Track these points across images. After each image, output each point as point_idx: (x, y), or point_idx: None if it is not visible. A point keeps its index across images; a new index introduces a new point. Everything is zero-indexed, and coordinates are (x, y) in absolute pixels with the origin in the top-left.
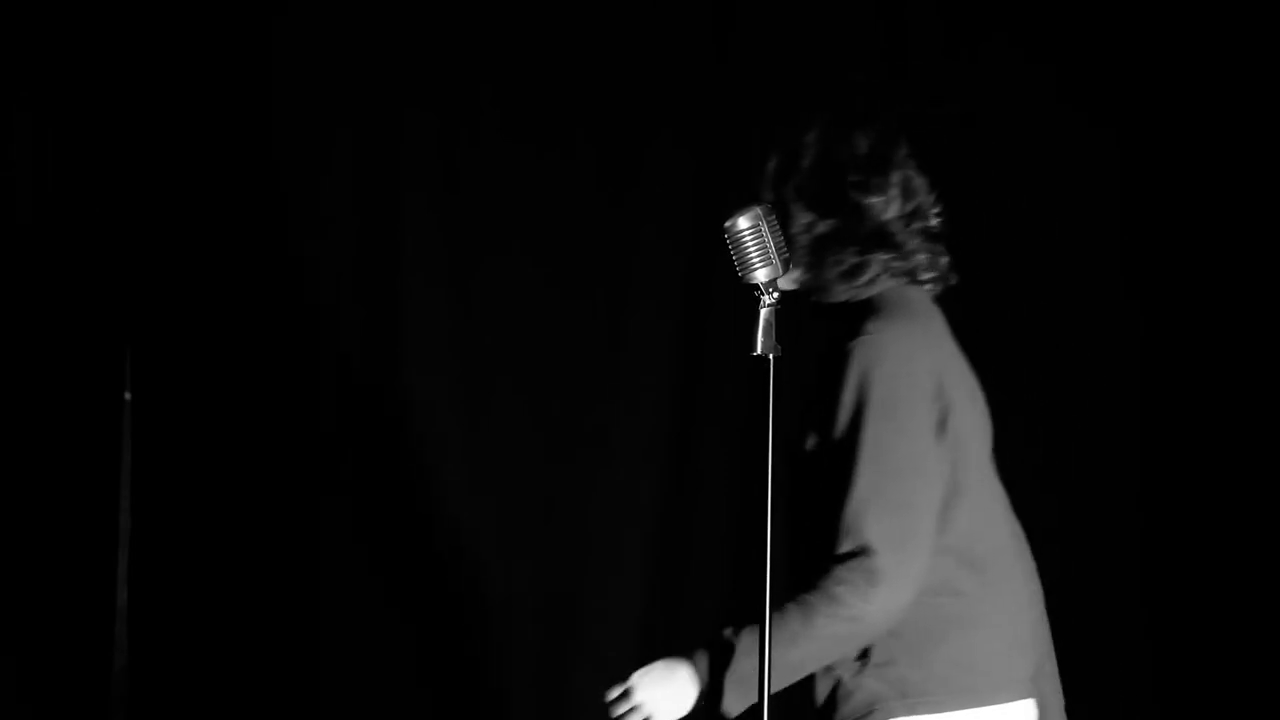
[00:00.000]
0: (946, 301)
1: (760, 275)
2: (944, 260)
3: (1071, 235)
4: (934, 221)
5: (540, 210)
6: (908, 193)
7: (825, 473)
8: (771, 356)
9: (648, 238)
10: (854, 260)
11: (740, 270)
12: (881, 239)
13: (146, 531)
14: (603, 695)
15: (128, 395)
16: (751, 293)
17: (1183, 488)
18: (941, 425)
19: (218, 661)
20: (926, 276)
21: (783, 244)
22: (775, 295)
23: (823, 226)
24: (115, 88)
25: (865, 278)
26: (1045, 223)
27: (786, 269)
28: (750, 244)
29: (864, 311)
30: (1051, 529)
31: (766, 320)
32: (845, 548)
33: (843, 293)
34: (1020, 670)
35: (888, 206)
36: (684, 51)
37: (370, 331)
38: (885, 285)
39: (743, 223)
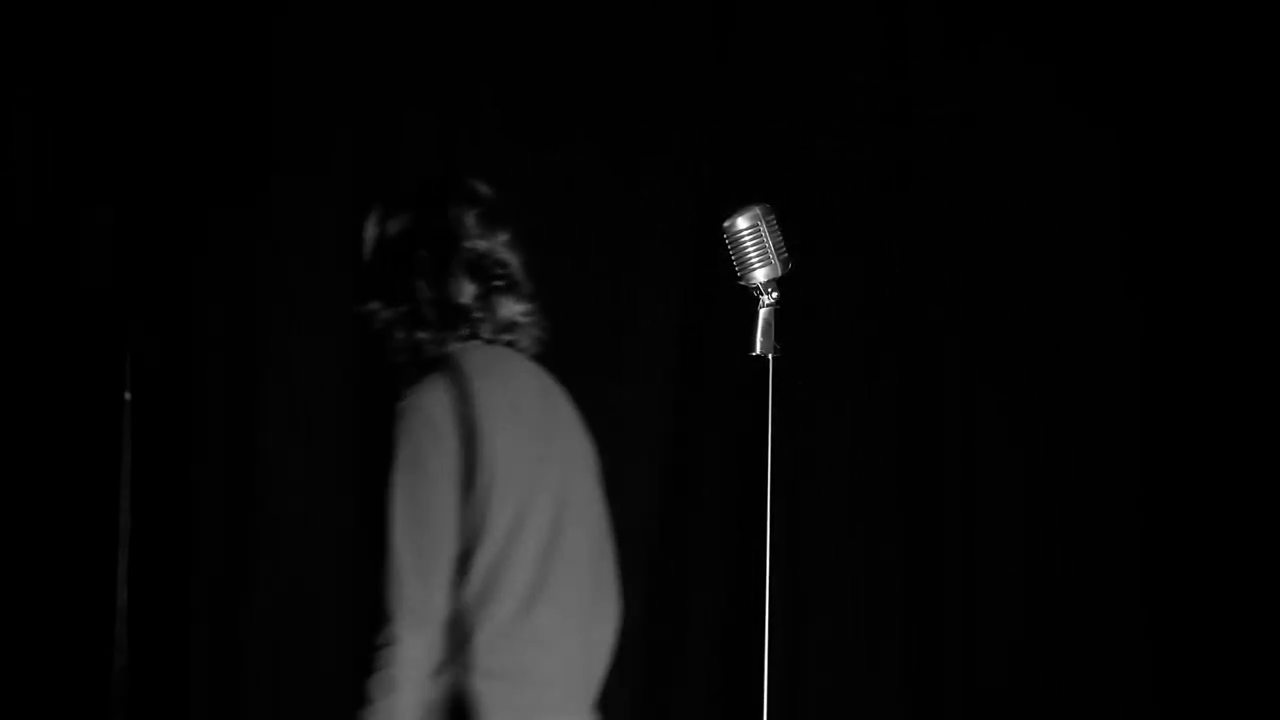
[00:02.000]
0: (945, 303)
1: (759, 275)
2: (522, 314)
3: (1071, 235)
4: (507, 280)
5: (540, 211)
6: (474, 266)
7: None
8: (771, 356)
9: (647, 238)
10: (420, 337)
11: (739, 270)
12: (445, 316)
13: (146, 531)
14: (603, 694)
15: (128, 395)
16: (750, 293)
17: (1183, 488)
18: (469, 479)
19: (218, 661)
20: (501, 337)
21: (782, 244)
22: (774, 295)
23: (388, 313)
24: (115, 88)
25: (431, 352)
26: (1045, 223)
27: (786, 269)
28: (749, 244)
29: (417, 376)
30: (1051, 529)
31: (766, 320)
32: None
33: (405, 361)
34: (575, 691)
35: (450, 285)
36: (684, 51)
37: (370, 331)
38: (451, 348)
39: (741, 223)
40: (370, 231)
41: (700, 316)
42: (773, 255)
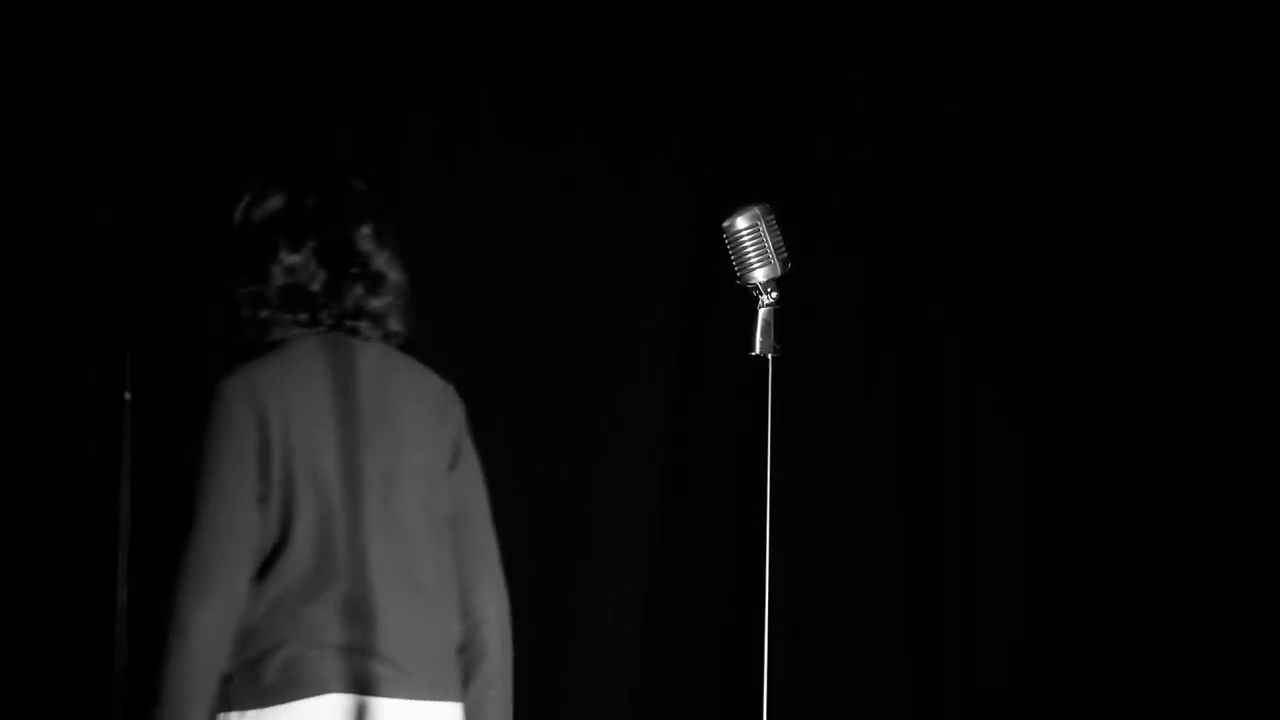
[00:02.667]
0: (945, 303)
1: (758, 275)
2: (374, 304)
3: (1071, 235)
4: (361, 271)
5: (540, 211)
6: (327, 254)
7: None
8: (770, 356)
9: (647, 238)
10: (264, 316)
11: (739, 270)
12: (289, 299)
13: (146, 531)
14: (603, 695)
15: (128, 395)
16: (750, 293)
17: (1183, 488)
18: (264, 465)
19: None
20: (346, 323)
21: (781, 244)
22: (774, 295)
23: (241, 291)
24: (115, 88)
25: (272, 334)
26: (1045, 223)
27: (786, 268)
28: (749, 244)
29: (254, 356)
30: (1051, 528)
31: (765, 320)
32: None
33: (252, 339)
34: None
35: (301, 270)
36: (684, 51)
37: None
38: (288, 334)
39: (741, 223)
40: (239, 210)
41: (700, 316)
42: (772, 255)
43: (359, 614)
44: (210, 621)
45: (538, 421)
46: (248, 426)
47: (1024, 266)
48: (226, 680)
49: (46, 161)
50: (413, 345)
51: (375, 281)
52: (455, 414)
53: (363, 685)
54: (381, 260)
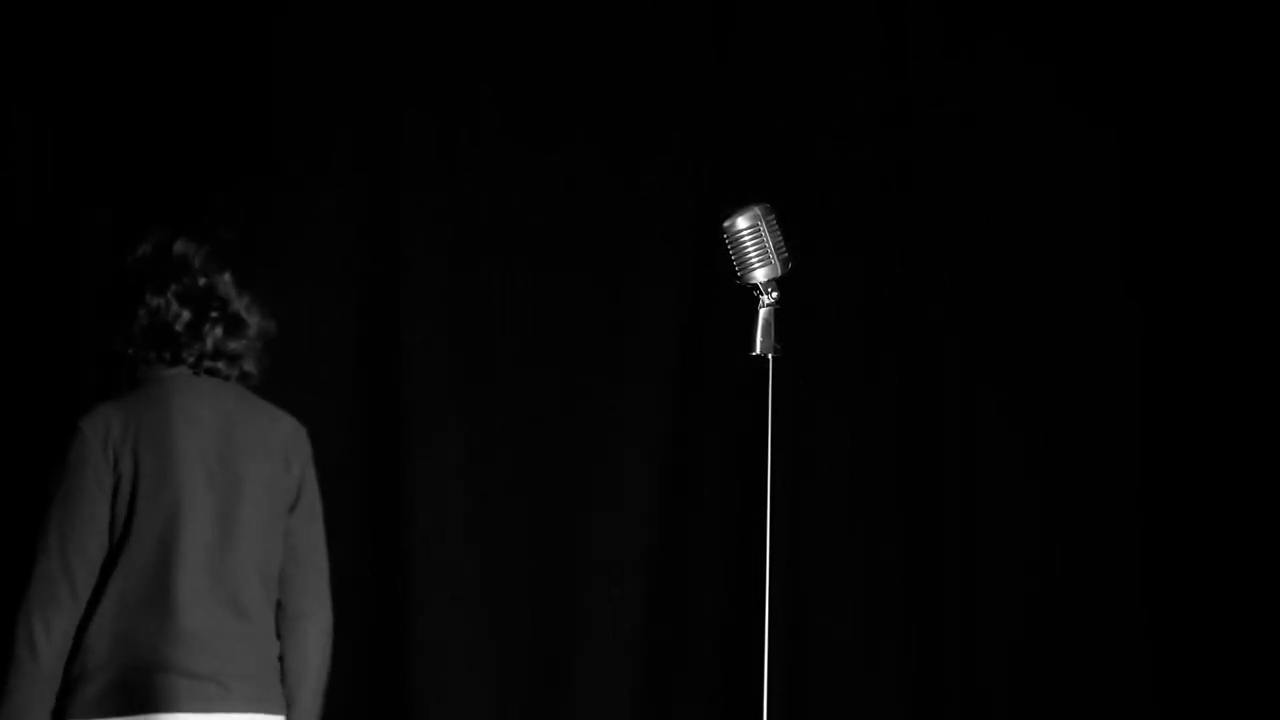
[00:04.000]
0: (945, 303)
1: (759, 275)
2: (232, 346)
3: (1071, 235)
4: (221, 314)
5: (540, 211)
6: (191, 298)
7: None
8: (770, 356)
9: (647, 238)
10: (130, 353)
11: (739, 270)
12: (153, 338)
13: None
14: (603, 695)
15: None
16: (750, 293)
17: (1183, 488)
18: (112, 508)
19: None
20: (205, 364)
21: (781, 244)
22: (774, 295)
23: (113, 329)
24: (115, 87)
25: (139, 370)
26: (1045, 223)
27: (786, 268)
28: (749, 244)
29: (120, 392)
30: (1052, 528)
31: (765, 320)
32: None
33: (121, 376)
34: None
35: (165, 311)
36: (684, 51)
37: (369, 331)
38: (153, 371)
39: (741, 223)
40: (117, 259)
41: (700, 316)
42: (773, 255)
43: (188, 639)
44: (55, 637)
45: (538, 421)
46: (101, 462)
47: (1024, 266)
48: (64, 692)
49: (47, 161)
50: (414, 345)
51: (234, 324)
52: (302, 457)
53: (189, 703)
54: (241, 305)
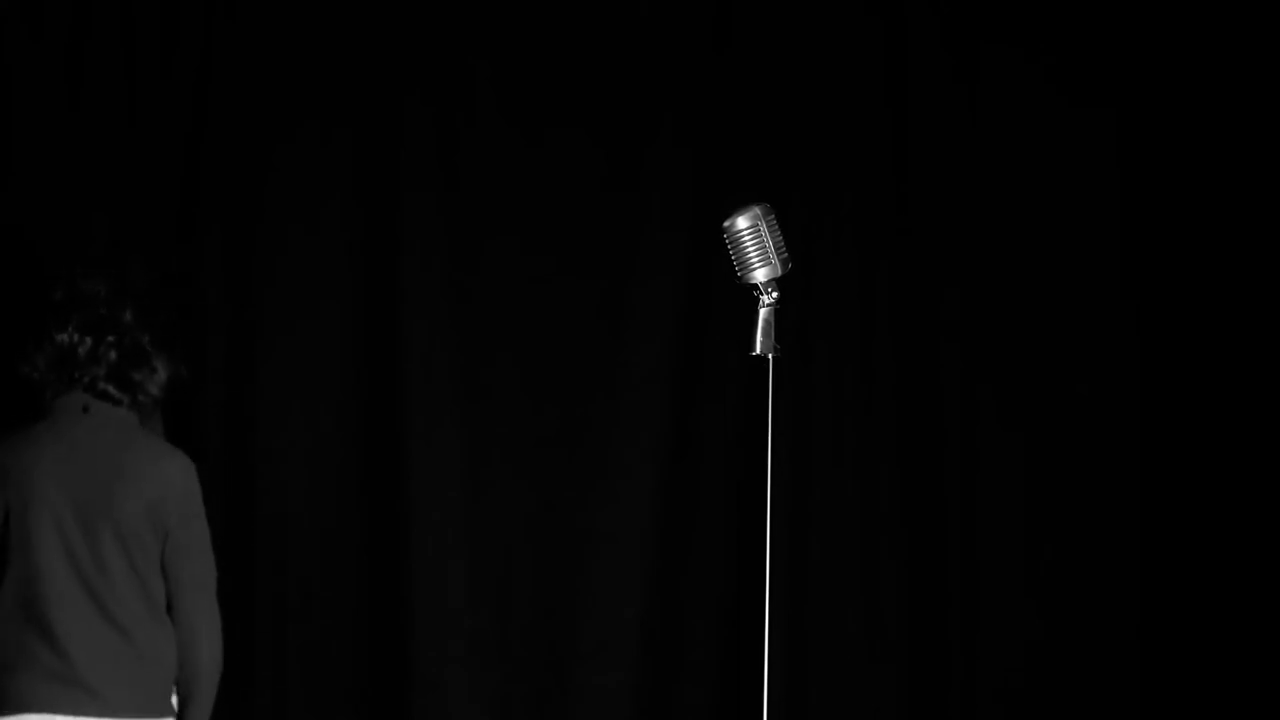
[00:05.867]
0: (945, 303)
1: (759, 275)
2: (131, 374)
3: (1071, 235)
4: (118, 344)
5: (539, 206)
6: (93, 328)
7: None
8: (771, 356)
9: (647, 238)
10: (36, 378)
11: (739, 270)
12: (56, 363)
13: None
14: (602, 695)
15: None
16: (751, 293)
17: (1183, 488)
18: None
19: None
20: (98, 387)
21: (782, 244)
22: (774, 295)
23: (28, 357)
24: (114, 87)
25: (46, 394)
26: (1045, 222)
27: (786, 268)
28: (749, 244)
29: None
30: (1052, 528)
31: (766, 320)
32: None
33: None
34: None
35: (64, 341)
36: (684, 45)
37: (370, 332)
38: (58, 395)
39: (741, 223)
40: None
41: (700, 316)
42: (773, 255)
43: (60, 649)
44: None
45: (537, 421)
46: None
47: (1024, 266)
48: None
49: (48, 161)
50: (411, 350)
51: (134, 353)
52: (177, 496)
53: (60, 706)
54: (144, 339)
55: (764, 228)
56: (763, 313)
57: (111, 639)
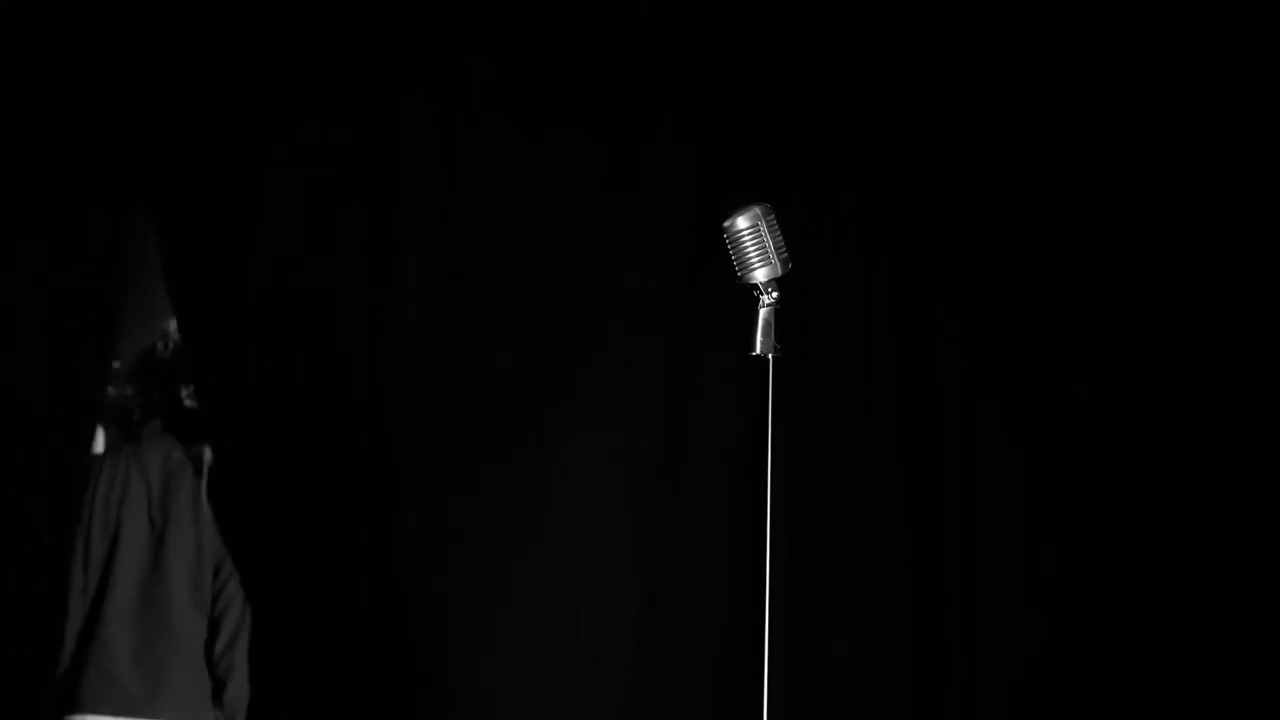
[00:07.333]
0: (945, 303)
1: (759, 275)
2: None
3: (1071, 235)
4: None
5: (539, 206)
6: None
7: None
8: (771, 356)
9: (647, 235)
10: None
11: (739, 270)
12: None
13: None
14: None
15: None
16: (751, 293)
17: (1183, 487)
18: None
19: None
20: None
21: (782, 244)
22: (774, 295)
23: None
24: (114, 87)
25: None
26: (1045, 223)
27: (786, 268)
28: (749, 244)
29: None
30: (1052, 529)
31: (766, 320)
32: None
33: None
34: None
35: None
36: (684, 45)
37: (369, 332)
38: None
39: (741, 223)
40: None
41: (700, 316)
42: (773, 255)
43: (123, 654)
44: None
45: (536, 420)
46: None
47: (1024, 267)
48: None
49: (51, 161)
50: (412, 352)
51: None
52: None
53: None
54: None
55: (764, 228)
56: (763, 313)
57: (169, 646)
